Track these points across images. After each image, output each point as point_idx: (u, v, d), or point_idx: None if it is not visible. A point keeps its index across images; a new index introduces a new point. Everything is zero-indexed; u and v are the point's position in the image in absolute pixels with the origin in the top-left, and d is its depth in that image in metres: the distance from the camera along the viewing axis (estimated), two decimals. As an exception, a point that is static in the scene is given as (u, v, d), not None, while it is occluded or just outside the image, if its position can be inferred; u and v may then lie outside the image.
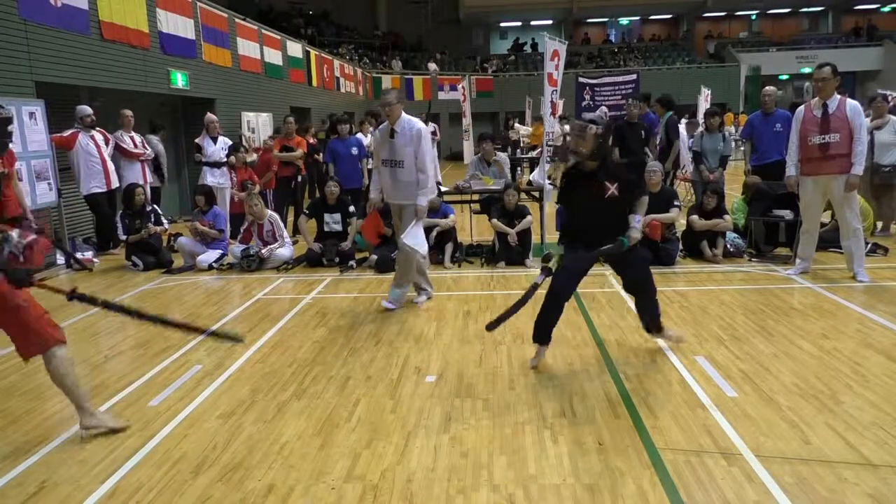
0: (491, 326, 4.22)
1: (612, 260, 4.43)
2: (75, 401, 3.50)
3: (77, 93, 9.41)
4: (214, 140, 9.49)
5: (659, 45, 35.71)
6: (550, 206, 8.99)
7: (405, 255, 5.73)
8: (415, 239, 5.65)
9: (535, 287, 4.20)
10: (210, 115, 9.76)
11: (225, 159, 9.48)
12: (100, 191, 8.56)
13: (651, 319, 4.53)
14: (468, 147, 16.54)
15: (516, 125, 19.97)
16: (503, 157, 8.83)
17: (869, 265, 6.43)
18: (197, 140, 9.60)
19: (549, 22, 36.14)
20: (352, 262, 7.58)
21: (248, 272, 7.46)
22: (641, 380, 4.07)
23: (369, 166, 8.79)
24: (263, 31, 15.62)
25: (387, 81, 27.53)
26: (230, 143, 9.74)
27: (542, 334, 4.40)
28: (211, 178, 9.32)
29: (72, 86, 8.91)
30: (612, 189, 4.15)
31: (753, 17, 37.45)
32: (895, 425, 3.36)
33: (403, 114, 5.62)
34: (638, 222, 4.20)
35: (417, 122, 5.68)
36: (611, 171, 4.19)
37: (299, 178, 10.03)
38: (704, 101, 16.29)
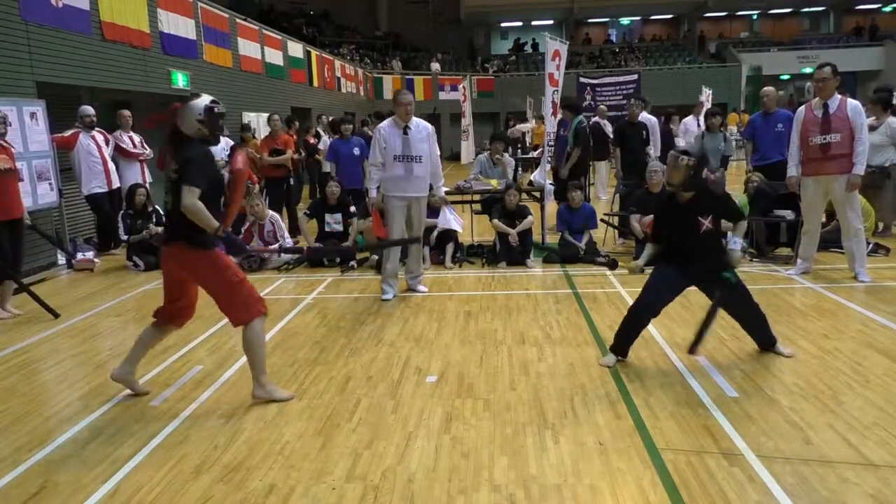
0: (693, 349, 4.19)
1: (700, 286, 4.36)
2: (253, 372, 3.90)
3: (78, 93, 9.41)
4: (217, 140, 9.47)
5: (660, 46, 35.71)
6: (551, 207, 9.01)
7: (417, 247, 6.44)
8: (456, 222, 7.48)
9: (720, 300, 4.21)
10: None
11: (226, 160, 9.46)
12: (101, 191, 8.56)
13: (763, 337, 4.40)
14: (466, 147, 16.55)
15: (517, 126, 19.97)
16: (509, 159, 8.84)
17: (870, 265, 6.42)
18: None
19: (550, 22, 36.14)
20: (353, 263, 7.58)
21: (249, 272, 7.46)
22: (642, 380, 4.07)
23: None
24: (264, 31, 15.62)
25: (388, 82, 27.54)
26: (232, 143, 9.72)
27: (621, 347, 4.37)
28: None
29: (73, 86, 8.91)
30: (707, 223, 4.17)
31: (754, 17, 37.44)
32: (896, 425, 3.36)
33: None
34: (736, 244, 4.19)
35: (425, 121, 6.23)
36: (705, 204, 4.19)
37: (291, 181, 9.96)
38: (706, 102, 16.28)
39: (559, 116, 9.10)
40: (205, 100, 3.77)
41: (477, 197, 8.45)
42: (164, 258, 3.93)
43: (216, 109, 3.77)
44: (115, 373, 4.06)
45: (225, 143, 9.54)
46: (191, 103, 3.74)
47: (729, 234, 4.34)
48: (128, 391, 4.14)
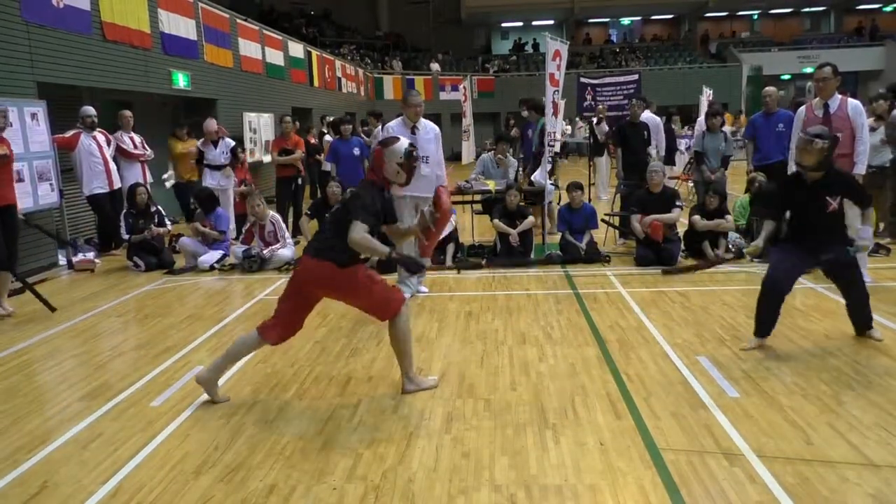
0: (668, 271, 4.56)
1: (825, 268, 4.56)
2: (403, 366, 3.95)
3: (79, 93, 9.42)
4: (215, 144, 9.47)
5: (660, 46, 35.71)
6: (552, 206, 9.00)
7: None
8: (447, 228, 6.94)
9: (720, 259, 4.48)
10: (208, 123, 9.62)
11: (226, 162, 9.44)
12: (102, 191, 8.56)
13: (861, 320, 4.61)
14: (467, 147, 16.52)
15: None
16: (512, 160, 8.83)
17: (871, 265, 6.41)
18: (198, 144, 9.59)
19: (551, 22, 36.14)
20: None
21: (250, 273, 7.46)
22: (643, 380, 4.07)
23: None
24: (265, 31, 15.62)
25: (388, 82, 27.55)
26: (232, 144, 9.70)
27: (764, 329, 4.49)
28: (210, 180, 9.28)
29: (73, 86, 8.92)
30: (835, 204, 4.30)
31: (755, 17, 37.44)
32: (897, 425, 3.36)
33: None
34: (867, 233, 4.36)
35: (432, 123, 6.34)
36: (835, 185, 4.31)
37: (300, 181, 10.02)
38: (706, 101, 16.26)
39: (560, 116, 9.09)
40: (404, 143, 3.88)
41: (478, 197, 8.45)
42: (301, 281, 3.84)
43: (414, 153, 3.90)
44: (199, 376, 3.98)
45: (224, 145, 9.49)
46: (393, 147, 3.84)
47: (856, 226, 4.47)
48: (129, 391, 4.14)
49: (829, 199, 4.30)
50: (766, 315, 4.46)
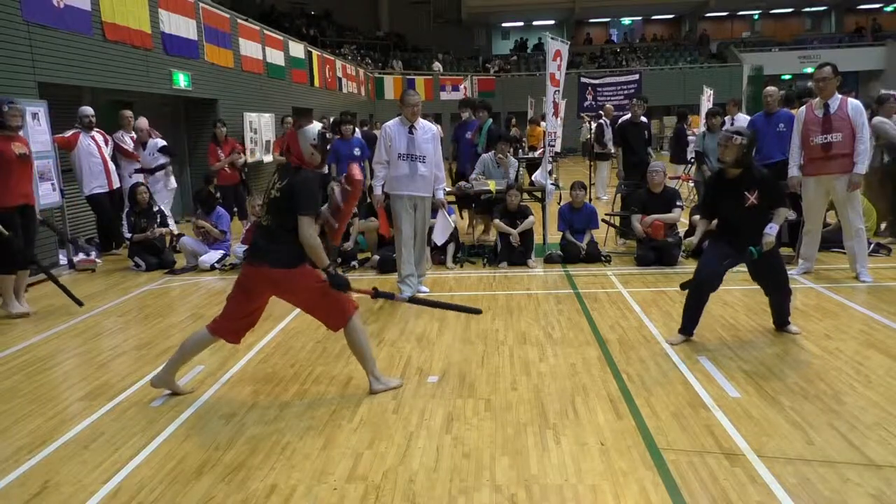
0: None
1: (751, 262, 4.71)
2: (366, 368, 4.01)
3: (79, 93, 9.42)
4: (144, 145, 9.03)
5: (661, 45, 35.72)
6: (552, 206, 9.00)
7: (421, 244, 6.31)
8: (444, 231, 7.05)
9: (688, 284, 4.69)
10: (138, 121, 9.11)
11: (157, 164, 9.04)
12: (101, 191, 8.55)
13: (780, 316, 4.82)
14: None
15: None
16: (512, 160, 8.83)
17: (872, 265, 6.42)
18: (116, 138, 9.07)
19: (552, 22, 36.18)
20: (353, 263, 7.58)
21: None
22: (644, 380, 4.07)
23: None
24: (265, 31, 15.62)
25: (389, 82, 27.54)
26: (160, 144, 9.18)
27: (688, 326, 4.67)
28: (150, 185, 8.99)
29: (74, 86, 8.92)
30: (752, 199, 4.48)
31: (756, 16, 37.44)
32: (898, 426, 3.36)
33: None
34: (772, 229, 4.47)
35: (431, 123, 6.34)
36: (753, 181, 4.49)
37: None
38: (707, 101, 16.26)
39: (560, 115, 9.09)
40: (317, 126, 3.93)
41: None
42: (250, 280, 3.86)
43: (328, 135, 3.96)
44: (153, 380, 4.07)
45: (152, 146, 9.12)
46: (305, 129, 3.89)
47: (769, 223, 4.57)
48: (130, 391, 4.15)
49: (746, 193, 4.48)
50: (692, 313, 4.63)
